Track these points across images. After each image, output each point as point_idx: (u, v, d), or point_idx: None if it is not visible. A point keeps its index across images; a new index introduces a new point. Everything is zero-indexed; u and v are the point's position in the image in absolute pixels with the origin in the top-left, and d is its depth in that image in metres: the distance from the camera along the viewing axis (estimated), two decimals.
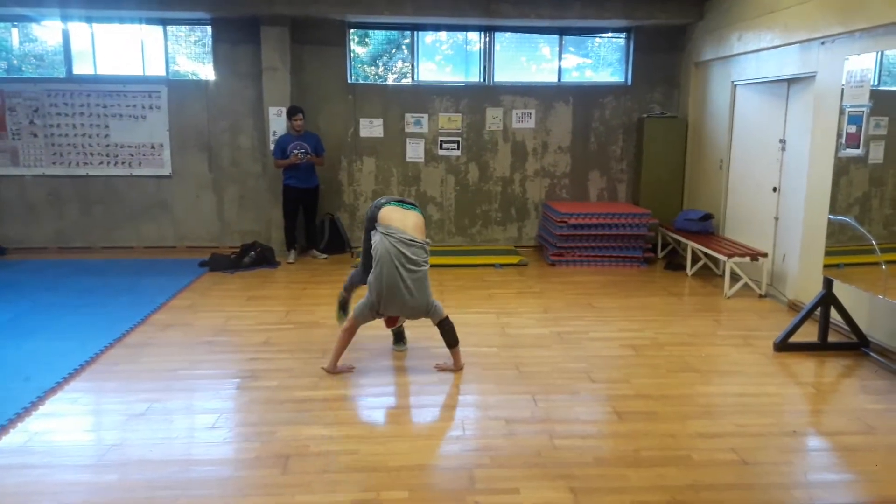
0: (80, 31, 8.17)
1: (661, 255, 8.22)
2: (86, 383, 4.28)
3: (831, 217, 4.99)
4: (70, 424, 3.74)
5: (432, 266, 7.50)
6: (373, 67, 8.86)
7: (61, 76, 8.21)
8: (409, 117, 8.46)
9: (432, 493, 3.04)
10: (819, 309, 4.96)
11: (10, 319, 5.48)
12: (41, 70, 8.36)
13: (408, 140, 8.50)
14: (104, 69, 8.27)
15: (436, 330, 5.38)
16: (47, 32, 8.29)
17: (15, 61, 8.43)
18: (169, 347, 4.95)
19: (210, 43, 8.22)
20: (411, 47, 8.52)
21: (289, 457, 3.35)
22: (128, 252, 8.32)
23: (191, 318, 5.65)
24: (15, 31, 8.30)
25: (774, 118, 6.55)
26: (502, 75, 8.59)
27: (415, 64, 8.55)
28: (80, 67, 8.25)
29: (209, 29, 8.19)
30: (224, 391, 4.17)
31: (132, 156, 8.32)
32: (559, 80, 8.63)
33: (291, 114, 7.62)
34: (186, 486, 3.10)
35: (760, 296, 6.45)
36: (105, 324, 5.37)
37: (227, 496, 3.03)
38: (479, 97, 8.50)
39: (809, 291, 5.57)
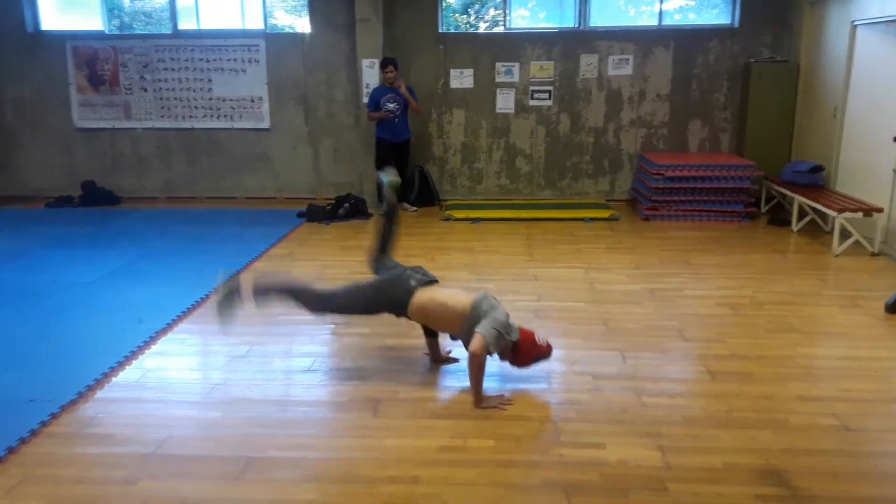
0: None
1: (764, 209, 7.80)
2: (192, 325, 4.57)
3: None
4: (179, 363, 4.02)
5: (520, 220, 7.48)
6: (464, 16, 8.72)
7: (168, 32, 8.56)
8: (499, 66, 8.31)
9: (518, 443, 3.08)
10: None
11: (126, 264, 5.89)
12: (150, 27, 8.74)
13: (498, 90, 8.37)
14: (206, 24, 8.55)
15: (524, 283, 5.38)
16: None
17: (126, 19, 8.85)
18: None
19: None
20: None
21: (379, 401, 3.47)
22: (231, 202, 8.71)
23: (289, 267, 5.88)
24: None
25: None
26: (598, 19, 8.25)
27: (507, 11, 8.34)
28: (185, 23, 8.56)
29: None
30: (320, 336, 4.34)
31: (233, 109, 8.63)
32: (659, 23, 8.20)
33: (383, 65, 7.65)
34: (283, 426, 3.28)
35: (873, 254, 6.03)
36: (211, 270, 5.60)
37: (321, 436, 3.18)
38: (572, 43, 8.22)
39: None
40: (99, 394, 3.58)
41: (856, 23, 6.61)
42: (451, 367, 3.89)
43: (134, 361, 3.97)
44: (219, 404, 3.47)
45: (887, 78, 6.16)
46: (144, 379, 3.77)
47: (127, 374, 3.81)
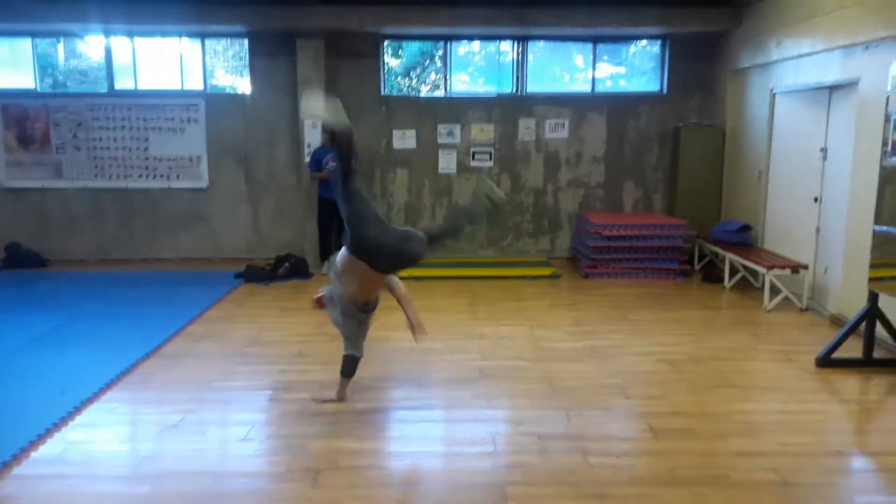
0: (121, 46, 8.37)
1: (697, 267, 8.06)
2: (122, 393, 4.34)
3: (876, 228, 4.83)
4: (106, 435, 3.79)
5: (463, 278, 7.50)
6: (406, 79, 8.90)
7: (103, 91, 8.42)
8: (441, 128, 8.47)
9: None
10: (864, 323, 4.80)
11: (51, 330, 5.60)
12: (85, 85, 8.59)
13: (440, 151, 8.51)
14: (145, 83, 8.46)
15: (469, 342, 5.35)
16: (91, 48, 8.52)
17: (60, 77, 8.67)
18: (203, 358, 4.99)
19: (247, 56, 8.35)
20: (444, 58, 8.54)
21: (319, 471, 3.34)
22: (166, 263, 8.45)
23: (226, 330, 5.70)
24: (60, 47, 8.54)
25: (815, 126, 6.39)
26: (535, 86, 8.56)
27: (448, 75, 8.56)
28: (122, 82, 8.45)
29: (246, 42, 8.33)
30: (257, 403, 4.19)
31: (171, 168, 8.48)
32: (593, 89, 8.55)
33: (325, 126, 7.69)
34: (218, 499, 3.11)
35: (801, 309, 6.27)
36: (142, 334, 5.45)
37: None
38: (511, 108, 8.48)
39: (853, 305, 5.39)
40: (16, 470, 3.33)
41: (775, 91, 7.04)
42: (395, 433, 3.79)
43: (56, 434, 3.73)
44: (148, 478, 3.27)
45: (805, 142, 6.54)
46: (67, 453, 3.53)
47: (48, 448, 3.57)
